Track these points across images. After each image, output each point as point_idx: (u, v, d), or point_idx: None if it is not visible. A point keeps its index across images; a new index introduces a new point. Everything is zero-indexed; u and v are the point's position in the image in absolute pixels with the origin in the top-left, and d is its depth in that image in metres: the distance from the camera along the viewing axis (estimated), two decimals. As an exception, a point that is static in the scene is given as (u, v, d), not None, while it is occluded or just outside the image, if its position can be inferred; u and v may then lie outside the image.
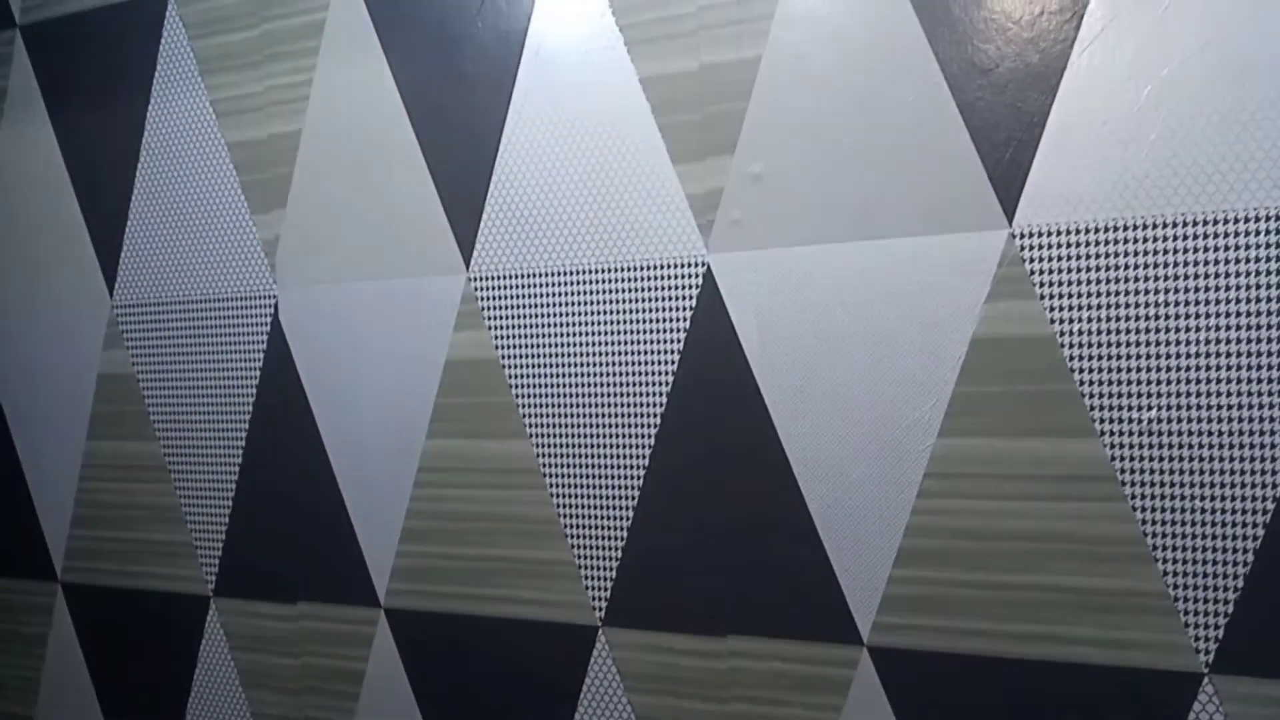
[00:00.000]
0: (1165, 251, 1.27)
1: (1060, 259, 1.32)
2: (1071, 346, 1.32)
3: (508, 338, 1.65)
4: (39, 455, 2.11)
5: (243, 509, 1.90)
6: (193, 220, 1.90)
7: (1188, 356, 1.27)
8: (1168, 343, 1.28)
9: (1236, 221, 1.24)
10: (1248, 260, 1.24)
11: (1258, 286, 1.24)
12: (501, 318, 1.66)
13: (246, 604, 1.91)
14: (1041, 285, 1.33)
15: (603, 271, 1.58)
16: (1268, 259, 1.23)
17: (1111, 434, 1.30)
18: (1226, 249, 1.25)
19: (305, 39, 1.77)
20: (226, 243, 1.87)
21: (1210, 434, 1.27)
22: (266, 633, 1.89)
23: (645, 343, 1.56)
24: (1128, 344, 1.30)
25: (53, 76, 2.02)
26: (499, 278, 1.65)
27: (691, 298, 1.53)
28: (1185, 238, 1.27)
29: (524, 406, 1.64)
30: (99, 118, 1.97)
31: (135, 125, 1.93)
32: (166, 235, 1.93)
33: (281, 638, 1.88)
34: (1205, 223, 1.26)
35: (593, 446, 1.60)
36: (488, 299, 1.66)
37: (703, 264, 1.52)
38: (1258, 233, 1.23)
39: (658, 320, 1.55)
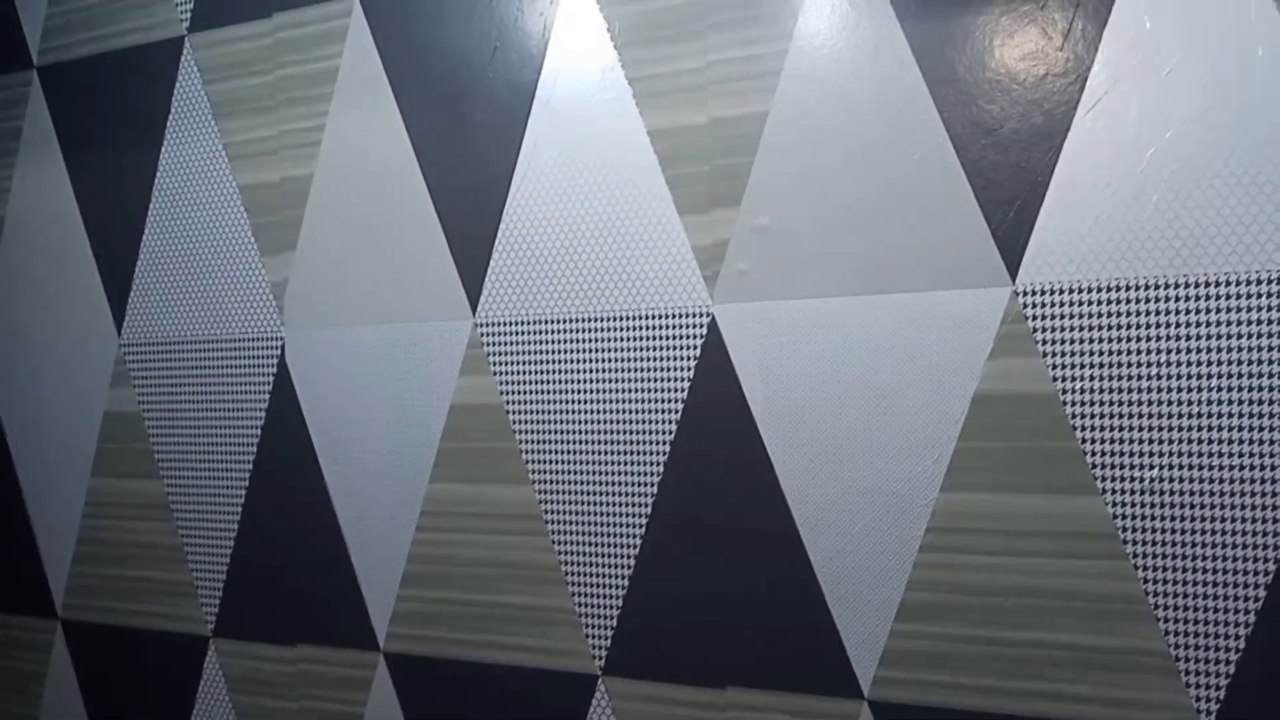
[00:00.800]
0: (1168, 312, 1.28)
1: (1063, 317, 1.33)
2: (1073, 404, 1.32)
3: (513, 383, 1.66)
4: (42, 491, 2.11)
5: (244, 550, 1.90)
6: (202, 261, 1.92)
7: (1190, 417, 1.28)
8: (1169, 403, 1.29)
9: (1238, 284, 1.25)
10: (1249, 323, 1.25)
11: (1259, 349, 1.25)
12: (507, 363, 1.67)
13: (245, 645, 1.90)
14: (1044, 343, 1.34)
15: (609, 320, 1.59)
16: (1270, 321, 1.24)
17: (1113, 492, 1.31)
18: (1228, 310, 1.26)
19: (319, 85, 1.79)
20: (235, 284, 1.89)
21: (1212, 494, 1.27)
22: (265, 675, 1.89)
23: (650, 392, 1.57)
24: (1129, 403, 1.30)
25: (68, 117, 2.05)
26: (505, 324, 1.67)
27: (696, 348, 1.54)
28: (1188, 299, 1.28)
29: (527, 453, 1.65)
30: (112, 158, 1.99)
31: (148, 166, 1.96)
32: (176, 275, 1.94)
33: (280, 680, 1.87)
34: (1208, 284, 1.27)
35: (596, 494, 1.60)
36: (494, 344, 1.67)
37: (708, 314, 1.53)
38: (1259, 295, 1.24)
39: (662, 369, 1.56)
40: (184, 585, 1.96)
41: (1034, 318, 1.34)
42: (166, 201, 1.95)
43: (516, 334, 1.66)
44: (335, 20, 1.77)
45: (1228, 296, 1.26)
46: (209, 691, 1.94)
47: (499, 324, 1.67)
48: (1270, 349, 1.24)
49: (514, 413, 1.66)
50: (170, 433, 1.96)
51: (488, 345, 1.68)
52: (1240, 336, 1.26)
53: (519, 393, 1.66)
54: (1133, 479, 1.30)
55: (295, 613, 1.85)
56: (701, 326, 1.53)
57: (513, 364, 1.66)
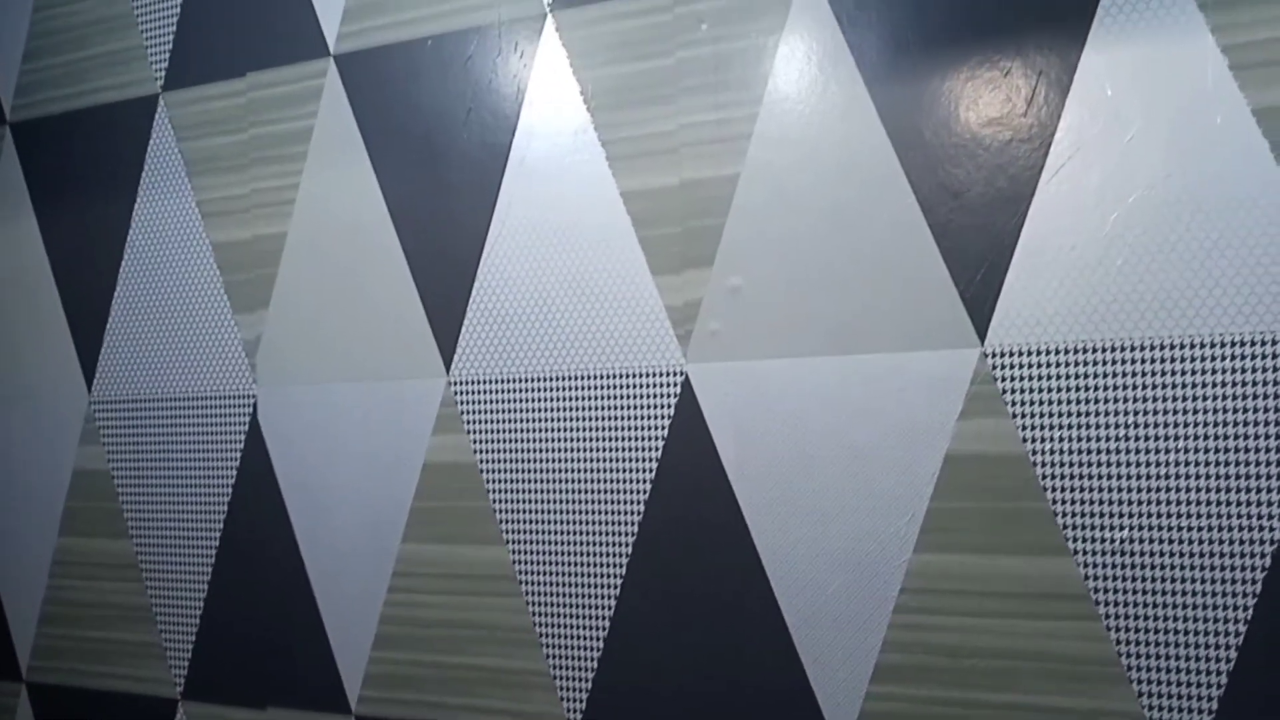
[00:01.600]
0: (1133, 374, 1.30)
1: (1031, 378, 1.34)
2: (1043, 465, 1.33)
3: (486, 442, 1.66)
4: (8, 550, 2.08)
5: (214, 611, 1.87)
6: (174, 318, 1.91)
7: (1158, 478, 1.29)
8: (1138, 464, 1.30)
9: (1201, 346, 1.27)
10: (1213, 385, 1.27)
11: (1223, 410, 1.26)
12: (481, 422, 1.66)
13: (215, 709, 1.87)
14: (1013, 404, 1.35)
15: (582, 378, 1.60)
16: (1232, 384, 1.26)
17: (1084, 553, 1.32)
18: (1192, 373, 1.28)
19: (293, 144, 1.80)
20: (207, 341, 1.88)
21: (1182, 555, 1.28)
22: (234, 738, 1.86)
23: (624, 451, 1.57)
24: (1099, 464, 1.31)
25: (40, 173, 2.04)
26: (479, 382, 1.67)
27: (670, 407, 1.54)
28: (1152, 360, 1.29)
29: (501, 512, 1.64)
30: (85, 215, 1.99)
31: (121, 223, 1.95)
32: (147, 332, 1.94)
33: (249, 744, 1.84)
34: (1171, 346, 1.29)
35: (570, 555, 1.60)
36: (467, 403, 1.67)
37: (681, 374, 1.53)
38: (1222, 358, 1.26)
39: (636, 429, 1.56)
40: (152, 646, 1.93)
41: (1003, 379, 1.35)
42: (139, 258, 1.94)
43: (490, 392, 1.66)
44: (310, 80, 1.78)
45: (1192, 359, 1.27)
46: (177, 756, 1.91)
47: (473, 382, 1.67)
48: (1234, 410, 1.26)
49: (487, 472, 1.65)
50: (140, 491, 1.94)
51: (461, 404, 1.68)
52: (1205, 399, 1.27)
53: (493, 452, 1.65)
54: (1103, 540, 1.31)
55: (266, 675, 1.83)
56: (675, 386, 1.54)
57: (486, 422, 1.66)
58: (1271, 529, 1.25)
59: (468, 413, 1.67)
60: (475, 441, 1.67)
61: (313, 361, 1.79)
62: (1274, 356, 1.25)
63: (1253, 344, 1.25)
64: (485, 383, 1.66)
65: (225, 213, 1.86)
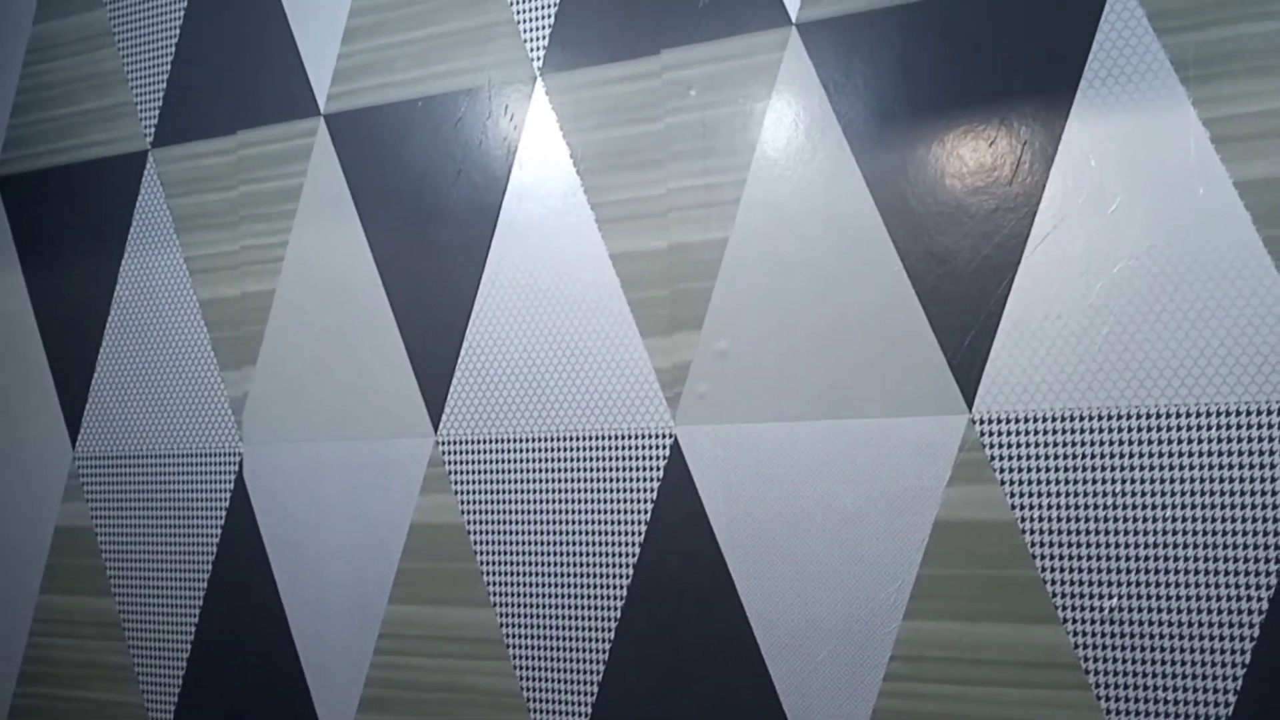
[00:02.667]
0: (1121, 442, 1.31)
1: (1019, 445, 1.35)
2: (1032, 533, 1.34)
3: (474, 503, 1.65)
4: (-12, 607, 2.06)
5: (197, 671, 1.85)
6: (160, 374, 1.90)
7: (1146, 546, 1.29)
8: (1126, 532, 1.30)
9: (1187, 415, 1.28)
10: (1200, 454, 1.27)
11: (1210, 479, 1.27)
12: (469, 483, 1.66)
13: (196, 770, 1.85)
14: (1001, 471, 1.35)
15: (571, 439, 1.59)
16: (1218, 453, 1.27)
17: (1074, 621, 1.32)
18: (1179, 442, 1.28)
19: (282, 202, 1.80)
20: (193, 398, 1.87)
21: (1170, 624, 1.28)
22: (216, 801, 1.83)
23: (613, 513, 1.56)
24: (1087, 532, 1.32)
25: (28, 227, 2.04)
26: (467, 442, 1.66)
27: (659, 469, 1.54)
28: (1139, 429, 1.30)
29: (489, 574, 1.63)
30: (72, 270, 1.98)
31: (108, 278, 1.95)
32: (133, 388, 1.93)
33: (231, 807, 1.82)
34: (1158, 415, 1.29)
35: (558, 618, 1.59)
36: (455, 463, 1.67)
37: (670, 435, 1.53)
38: (1207, 427, 1.27)
39: (626, 490, 1.56)
40: (134, 707, 1.90)
41: (991, 445, 1.36)
42: (126, 314, 1.94)
43: (478, 453, 1.65)
44: (300, 139, 1.79)
45: (1177, 428, 1.28)
46: (157, 819, 1.88)
47: (461, 442, 1.67)
48: (1220, 480, 1.26)
49: (475, 533, 1.65)
50: (123, 549, 1.92)
51: (449, 464, 1.67)
52: (1191, 468, 1.28)
53: (481, 512, 1.65)
54: (1092, 608, 1.31)
55: (249, 736, 1.81)
56: (664, 448, 1.54)
57: (475, 483, 1.65)
58: (1259, 598, 1.25)
59: (456, 473, 1.67)
60: (463, 502, 1.66)
61: (300, 420, 1.78)
62: (1258, 426, 1.26)
63: (1237, 413, 1.26)
64: (474, 443, 1.66)
65: (213, 269, 1.86)
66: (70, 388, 1.98)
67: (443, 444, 1.68)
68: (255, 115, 1.83)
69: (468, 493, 1.66)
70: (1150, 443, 1.29)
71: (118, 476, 1.93)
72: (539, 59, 1.63)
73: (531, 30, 1.64)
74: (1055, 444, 1.33)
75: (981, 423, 1.36)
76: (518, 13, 1.65)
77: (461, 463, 1.66)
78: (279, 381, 1.80)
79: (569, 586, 1.58)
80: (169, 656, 1.87)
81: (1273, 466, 1.25)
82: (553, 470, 1.60)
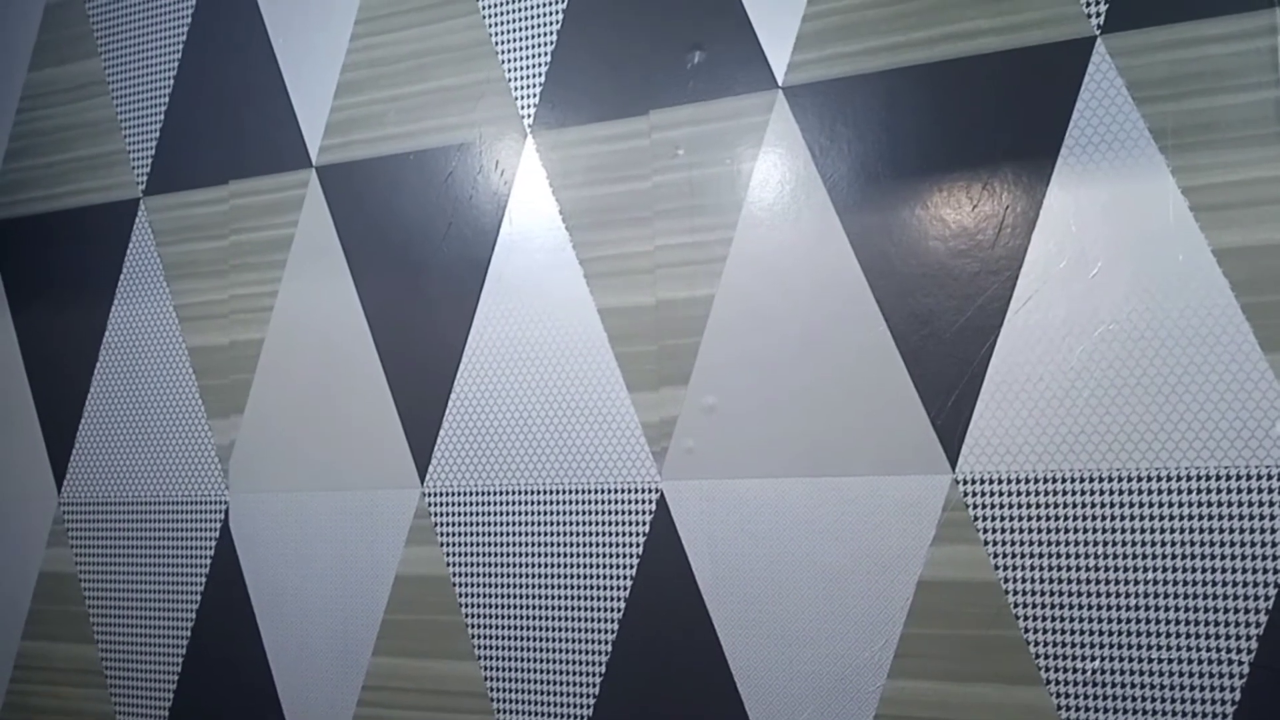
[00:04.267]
0: (1102, 504, 1.32)
1: (1002, 506, 1.36)
2: (1015, 594, 1.35)
3: (460, 555, 1.65)
4: (-31, 653, 2.05)
5: (179, 720, 1.84)
6: (147, 422, 1.90)
7: (1128, 608, 1.30)
8: (1108, 594, 1.31)
9: (1167, 479, 1.29)
10: (1179, 517, 1.29)
11: (1190, 543, 1.28)
12: (454, 534, 1.66)
13: (176, 822, 1.83)
14: (985, 531, 1.36)
15: (557, 493, 1.60)
16: (1198, 516, 1.28)
17: (1057, 683, 1.32)
18: (1159, 505, 1.30)
19: (273, 252, 1.81)
20: (180, 446, 1.87)
21: (1153, 685, 1.29)
22: None
23: (598, 566, 1.57)
24: (1069, 594, 1.33)
25: (18, 272, 2.04)
26: (453, 494, 1.66)
27: (645, 523, 1.54)
28: (1121, 492, 1.32)
29: (474, 627, 1.63)
30: (61, 315, 1.99)
31: (97, 325, 1.95)
32: (120, 435, 1.92)
33: None
34: (1138, 478, 1.31)
35: (543, 672, 1.58)
36: (441, 515, 1.67)
37: (656, 490, 1.54)
38: (1187, 491, 1.29)
39: (611, 544, 1.56)
40: (114, 756, 1.89)
41: (974, 506, 1.37)
42: (114, 360, 1.94)
43: (464, 505, 1.66)
44: (291, 190, 1.80)
45: (1158, 491, 1.30)
46: None
47: (447, 494, 1.67)
48: (1201, 543, 1.28)
49: (460, 585, 1.65)
50: (107, 596, 1.91)
51: (435, 515, 1.67)
52: (1172, 531, 1.29)
53: (466, 565, 1.65)
54: (1075, 670, 1.32)
55: (230, 787, 1.79)
56: (650, 503, 1.54)
57: (460, 535, 1.66)
58: (1240, 662, 1.26)
59: (441, 525, 1.67)
60: (449, 554, 1.66)
61: (286, 469, 1.78)
62: (1237, 490, 1.27)
63: (1216, 478, 1.28)
64: (460, 495, 1.66)
65: (203, 317, 1.87)
66: (57, 432, 1.98)
67: (429, 496, 1.68)
68: (247, 165, 1.84)
69: (453, 545, 1.66)
70: (1131, 505, 1.31)
71: (103, 522, 1.93)
72: (529, 116, 1.65)
73: (522, 88, 1.66)
74: (1038, 505, 1.35)
75: (965, 483, 1.38)
76: (509, 70, 1.67)
77: (448, 514, 1.67)
78: (266, 430, 1.80)
79: (554, 640, 1.58)
80: (152, 705, 1.86)
81: (1251, 530, 1.27)
82: (539, 523, 1.61)
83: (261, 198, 1.83)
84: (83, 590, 1.94)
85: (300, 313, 1.79)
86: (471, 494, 1.65)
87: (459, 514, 1.66)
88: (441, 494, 1.67)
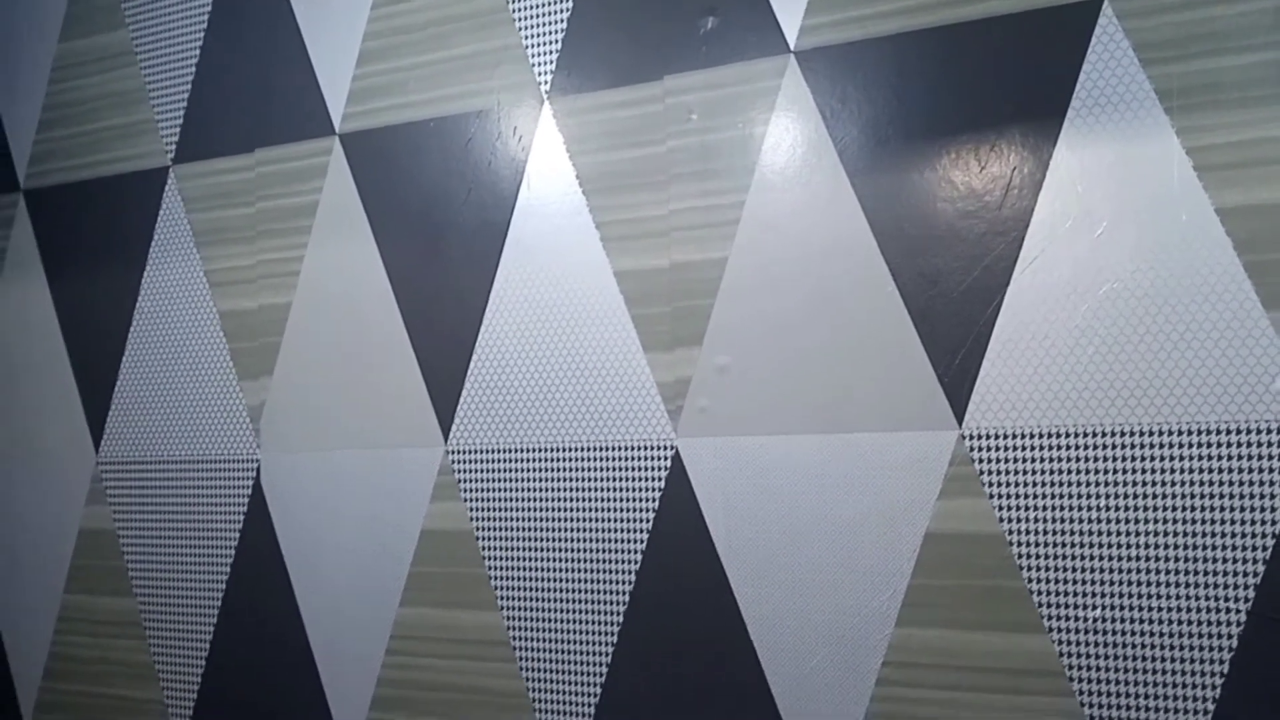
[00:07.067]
0: (1105, 459, 1.36)
1: (1007, 461, 1.40)
2: (1020, 545, 1.39)
3: (483, 510, 1.71)
4: (14, 606, 2.13)
5: (215, 668, 1.92)
6: (181, 383, 1.97)
7: (1129, 559, 1.34)
8: (1109, 544, 1.35)
9: (1169, 434, 1.33)
10: (1181, 470, 1.32)
11: (1191, 496, 1.32)
12: (477, 491, 1.72)
13: (214, 766, 1.92)
14: (990, 485, 1.40)
15: (576, 450, 1.65)
16: (1199, 470, 1.31)
17: (1059, 630, 1.37)
18: (1161, 459, 1.33)
19: (299, 218, 1.86)
20: (213, 406, 1.93)
21: (1152, 634, 1.33)
22: (233, 796, 1.90)
23: (616, 521, 1.62)
24: (1072, 544, 1.37)
25: (53, 239, 2.11)
26: (476, 452, 1.72)
27: (661, 479, 1.59)
28: (1124, 446, 1.35)
29: (496, 579, 1.69)
30: (95, 281, 2.05)
31: (130, 290, 2.01)
32: (154, 396, 1.99)
33: (248, 802, 1.88)
34: (1141, 433, 1.34)
35: (563, 621, 1.64)
36: (464, 472, 1.72)
37: (672, 448, 1.59)
38: (1189, 445, 1.32)
39: (628, 499, 1.61)
40: (154, 704, 1.97)
41: (980, 460, 1.41)
42: (147, 324, 2.00)
43: (487, 462, 1.71)
44: (316, 157, 1.85)
45: (1159, 445, 1.33)
46: (177, 813, 1.95)
47: (470, 452, 1.72)
48: (1201, 497, 1.31)
49: (484, 539, 1.70)
50: (145, 551, 1.99)
51: (459, 472, 1.73)
52: (1173, 484, 1.33)
53: (489, 519, 1.70)
54: (1077, 618, 1.36)
55: (265, 733, 1.87)
56: (666, 459, 1.59)
57: (483, 491, 1.71)
58: (1238, 610, 1.30)
59: (465, 481, 1.72)
60: (472, 509, 1.72)
61: (315, 428, 1.84)
62: (1238, 444, 1.30)
63: (1217, 432, 1.31)
64: (482, 452, 1.71)
65: (232, 282, 1.92)
66: (94, 395, 2.05)
67: (452, 453, 1.74)
68: (273, 134, 1.89)
69: (476, 500, 1.71)
70: (1133, 459, 1.34)
71: (140, 480, 2.00)
72: (546, 83, 1.69)
73: (539, 55, 1.69)
74: (1042, 459, 1.38)
75: (971, 438, 1.41)
76: (526, 38, 1.70)
77: (470, 471, 1.72)
78: (295, 391, 1.86)
79: (574, 591, 1.64)
80: (188, 654, 1.94)
81: (1250, 483, 1.30)
82: (558, 479, 1.66)
83: (287, 165, 1.88)
84: (121, 546, 2.01)
85: (326, 277, 1.84)
86: (493, 451, 1.70)
87: (482, 471, 1.71)
88: (464, 451, 1.72)
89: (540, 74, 1.69)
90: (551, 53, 1.68)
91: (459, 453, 1.73)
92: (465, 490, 1.72)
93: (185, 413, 1.96)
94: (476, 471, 1.72)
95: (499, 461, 1.70)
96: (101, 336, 2.04)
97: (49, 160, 2.11)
